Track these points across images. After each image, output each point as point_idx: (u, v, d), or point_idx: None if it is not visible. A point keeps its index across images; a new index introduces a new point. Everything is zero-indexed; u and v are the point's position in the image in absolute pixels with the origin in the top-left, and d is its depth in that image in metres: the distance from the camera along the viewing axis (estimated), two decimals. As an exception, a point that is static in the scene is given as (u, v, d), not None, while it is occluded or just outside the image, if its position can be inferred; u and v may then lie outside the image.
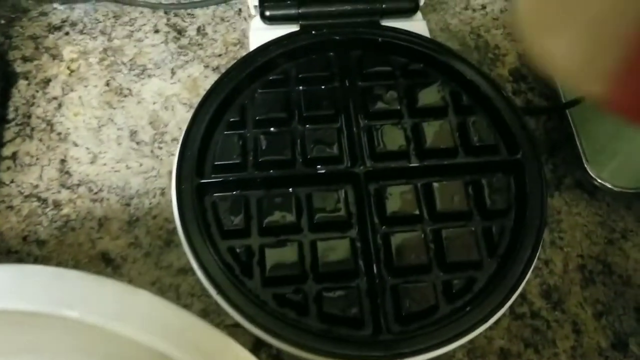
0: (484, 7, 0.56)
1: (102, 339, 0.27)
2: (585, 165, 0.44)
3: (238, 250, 0.38)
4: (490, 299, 0.36)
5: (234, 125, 0.42)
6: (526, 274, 0.37)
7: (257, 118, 0.43)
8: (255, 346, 0.42)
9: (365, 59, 0.45)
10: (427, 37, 0.45)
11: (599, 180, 0.43)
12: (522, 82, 0.52)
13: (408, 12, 0.46)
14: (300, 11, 0.45)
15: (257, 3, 0.45)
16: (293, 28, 0.46)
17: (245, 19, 0.54)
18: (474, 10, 0.56)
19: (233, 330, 0.42)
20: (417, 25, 0.46)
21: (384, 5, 0.45)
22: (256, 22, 0.47)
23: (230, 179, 0.40)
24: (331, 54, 0.45)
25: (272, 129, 0.42)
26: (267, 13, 0.45)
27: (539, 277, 0.44)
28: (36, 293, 0.26)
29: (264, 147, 0.42)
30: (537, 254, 0.37)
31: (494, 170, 0.41)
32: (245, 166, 0.41)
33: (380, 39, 0.44)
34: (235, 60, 0.52)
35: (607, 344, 0.42)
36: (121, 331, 0.26)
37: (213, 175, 0.41)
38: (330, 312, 0.36)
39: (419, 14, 0.47)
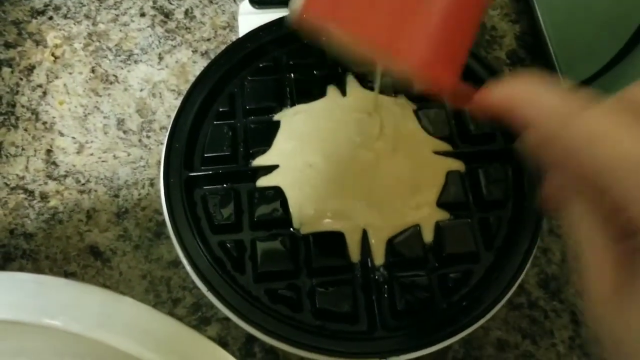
0: (480, -14, 0.54)
1: (88, 344, 0.26)
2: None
3: (229, 245, 0.37)
4: (487, 293, 0.35)
5: (223, 115, 0.41)
6: (524, 267, 0.36)
7: (247, 107, 0.41)
8: (248, 340, 0.41)
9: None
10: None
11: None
12: (519, 64, 0.51)
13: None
14: (290, -6, 0.43)
15: (245, -14, 0.44)
16: (283, 13, 0.44)
17: (234, 0, 0.53)
18: (470, -11, 0.54)
19: (226, 323, 0.42)
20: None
21: (377, -12, 0.44)
22: (245, 6, 0.45)
23: (220, 171, 0.39)
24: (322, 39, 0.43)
25: (262, 118, 0.41)
26: (257, -4, 0.44)
27: (537, 266, 0.44)
28: (18, 302, 0.25)
29: (254, 138, 0.40)
30: (536, 246, 0.37)
31: (491, 159, 0.40)
32: (235, 158, 0.40)
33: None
34: (224, 45, 0.51)
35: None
36: (105, 340, 0.25)
37: (202, 168, 0.40)
38: (324, 308, 0.35)
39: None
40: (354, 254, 0.37)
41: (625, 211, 0.19)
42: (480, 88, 0.24)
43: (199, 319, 0.42)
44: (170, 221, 0.37)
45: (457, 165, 0.39)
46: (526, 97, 0.23)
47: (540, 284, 0.43)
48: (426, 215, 0.37)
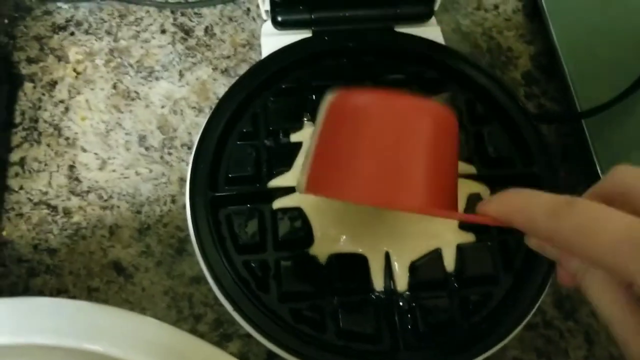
0: (496, 7, 0.55)
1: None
2: (600, 175, 0.43)
3: (253, 264, 0.38)
4: (507, 316, 0.36)
5: (246, 136, 0.42)
6: (543, 290, 0.37)
7: (270, 128, 0.42)
8: (269, 357, 0.42)
9: (379, 67, 0.44)
10: (442, 45, 0.45)
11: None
12: (534, 85, 0.52)
13: (422, 17, 0.46)
14: (313, 17, 0.44)
15: (268, 8, 0.44)
16: (305, 34, 0.45)
17: (254, 18, 0.54)
18: (486, 10, 0.55)
19: (247, 340, 0.43)
20: (431, 31, 0.46)
21: (398, 11, 0.45)
22: (267, 27, 0.46)
23: (244, 192, 0.40)
24: (344, 60, 0.44)
25: (285, 139, 0.42)
26: (279, 18, 0.45)
27: (552, 285, 0.44)
28: (59, 327, 0.26)
29: (276, 159, 0.41)
30: (554, 272, 0.37)
31: (510, 183, 0.40)
32: (258, 178, 0.41)
33: (394, 46, 0.44)
34: (244, 63, 0.51)
35: (620, 354, 0.42)
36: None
37: (227, 188, 0.40)
38: (348, 328, 0.36)
39: (433, 19, 0.46)
40: (378, 278, 0.37)
41: (634, 284, 0.21)
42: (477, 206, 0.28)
43: (220, 335, 0.43)
44: (196, 241, 0.38)
45: (479, 188, 0.40)
46: (518, 207, 0.26)
47: (555, 303, 0.44)
48: (448, 238, 0.38)
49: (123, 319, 0.27)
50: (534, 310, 0.37)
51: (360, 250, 0.38)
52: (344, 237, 0.38)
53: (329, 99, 0.32)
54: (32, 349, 0.26)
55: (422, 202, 0.29)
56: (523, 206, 0.25)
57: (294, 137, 0.42)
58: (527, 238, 0.28)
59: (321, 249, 0.38)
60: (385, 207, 0.31)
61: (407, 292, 0.37)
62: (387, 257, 0.38)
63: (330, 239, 0.39)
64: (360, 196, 0.29)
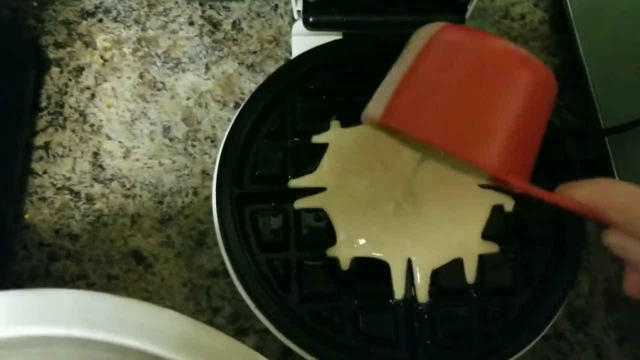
0: (522, 17, 0.55)
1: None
2: (620, 193, 0.44)
3: (276, 263, 0.39)
4: (524, 328, 0.37)
5: (273, 135, 0.42)
6: (560, 305, 0.37)
7: (297, 128, 0.42)
8: (284, 354, 0.43)
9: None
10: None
11: None
12: (557, 98, 0.52)
13: (453, 25, 0.46)
14: (345, 19, 0.44)
15: (301, 8, 0.45)
16: (335, 36, 0.45)
17: (281, 15, 0.54)
18: (512, 19, 0.55)
19: (263, 335, 0.43)
20: (461, 39, 0.46)
21: (429, 18, 0.45)
22: (298, 27, 0.46)
23: (270, 190, 0.41)
24: (374, 64, 0.44)
25: (311, 140, 0.42)
26: (311, 19, 0.45)
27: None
28: (104, 322, 0.27)
29: (303, 159, 0.42)
30: (573, 287, 0.38)
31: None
32: (284, 177, 0.41)
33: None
34: (270, 59, 0.52)
35: (628, 371, 0.43)
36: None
37: (252, 185, 0.41)
38: (366, 332, 0.37)
39: (463, 28, 0.47)
40: (399, 286, 0.38)
41: None
42: (559, 186, 0.28)
43: (237, 329, 0.43)
44: (221, 236, 0.39)
45: (504, 199, 0.40)
46: (614, 202, 0.25)
47: (567, 315, 0.45)
48: (470, 248, 0.38)
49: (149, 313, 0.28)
50: (550, 324, 0.37)
51: (382, 256, 0.38)
52: (367, 241, 0.39)
53: (428, 31, 0.31)
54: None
55: (496, 164, 0.28)
56: (624, 202, 0.25)
57: (318, 139, 0.42)
58: (606, 233, 0.27)
59: (343, 252, 0.39)
60: (459, 158, 0.29)
61: (428, 299, 0.38)
62: (409, 264, 0.38)
63: (352, 243, 0.39)
64: (438, 139, 0.28)
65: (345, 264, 0.38)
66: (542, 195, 0.30)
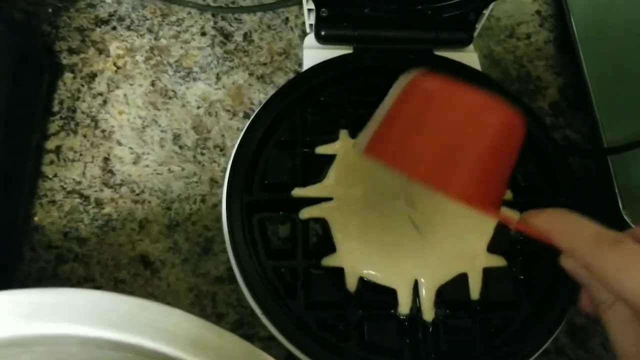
0: (528, 36, 0.56)
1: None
2: (622, 211, 0.45)
3: (283, 270, 0.39)
4: (526, 342, 0.37)
5: (283, 144, 0.43)
6: (562, 320, 0.38)
7: (307, 139, 0.43)
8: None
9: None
10: (479, 71, 0.46)
11: (634, 227, 0.44)
12: (560, 116, 0.53)
13: (462, 43, 0.47)
14: (356, 34, 0.45)
15: (313, 22, 0.46)
16: (346, 50, 0.46)
17: (291, 28, 0.55)
18: (518, 38, 0.56)
19: (267, 343, 0.44)
20: (469, 57, 0.47)
21: (438, 35, 0.46)
22: (310, 40, 0.47)
23: (279, 198, 0.41)
24: (383, 79, 0.45)
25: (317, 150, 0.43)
26: (323, 33, 0.46)
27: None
28: (119, 323, 0.27)
29: (312, 169, 0.42)
30: (574, 302, 0.39)
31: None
32: (293, 186, 0.42)
33: (431, 69, 0.45)
34: (280, 71, 0.53)
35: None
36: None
37: (262, 193, 0.41)
38: (371, 341, 0.37)
39: (471, 46, 0.48)
40: (404, 305, 0.39)
41: None
42: (522, 214, 0.31)
43: (241, 335, 0.43)
44: (230, 243, 0.39)
45: (509, 213, 0.41)
46: (564, 228, 0.28)
47: (568, 331, 0.45)
48: (476, 262, 0.39)
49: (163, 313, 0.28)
50: (551, 339, 0.38)
51: (387, 282, 0.39)
52: (371, 268, 0.39)
53: (408, 76, 0.34)
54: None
55: (468, 193, 0.30)
56: (571, 229, 0.28)
57: (325, 150, 0.43)
58: (563, 258, 0.30)
59: (349, 271, 0.40)
60: (431, 188, 0.31)
61: (434, 312, 0.38)
62: (415, 284, 0.39)
63: (355, 267, 0.40)
64: (411, 170, 0.31)
65: (351, 287, 0.39)
66: (507, 221, 0.35)
